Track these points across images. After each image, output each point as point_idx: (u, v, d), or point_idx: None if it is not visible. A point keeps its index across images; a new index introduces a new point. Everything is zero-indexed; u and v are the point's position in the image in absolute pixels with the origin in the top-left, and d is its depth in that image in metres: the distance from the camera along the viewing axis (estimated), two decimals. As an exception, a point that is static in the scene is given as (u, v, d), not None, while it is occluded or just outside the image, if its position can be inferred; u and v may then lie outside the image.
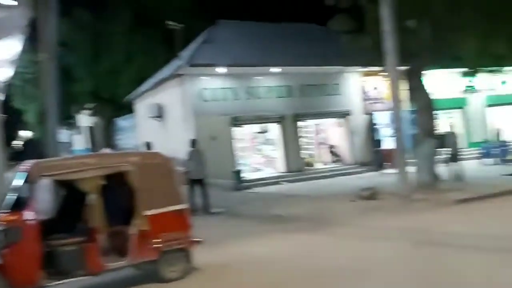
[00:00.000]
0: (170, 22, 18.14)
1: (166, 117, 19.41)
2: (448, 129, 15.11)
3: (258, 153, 19.52)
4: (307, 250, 7.53)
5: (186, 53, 18.86)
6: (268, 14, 23.27)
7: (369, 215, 9.96)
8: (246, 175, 17.40)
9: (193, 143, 12.70)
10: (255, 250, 7.77)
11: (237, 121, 17.85)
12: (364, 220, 9.54)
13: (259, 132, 19.56)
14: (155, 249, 6.09)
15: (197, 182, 12.02)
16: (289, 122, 18.79)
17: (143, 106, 21.77)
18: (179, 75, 17.46)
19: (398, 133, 11.47)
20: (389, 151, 16.37)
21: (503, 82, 18.95)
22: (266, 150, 19.50)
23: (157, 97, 19.93)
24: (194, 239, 6.51)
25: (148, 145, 15.72)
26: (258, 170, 18.91)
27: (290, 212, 11.08)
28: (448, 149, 13.79)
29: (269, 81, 18.72)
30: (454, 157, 13.71)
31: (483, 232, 7.67)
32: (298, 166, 18.70)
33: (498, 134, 19.39)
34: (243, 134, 18.79)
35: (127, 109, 25.21)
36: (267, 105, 18.37)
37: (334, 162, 20.21)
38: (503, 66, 18.57)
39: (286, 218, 10.41)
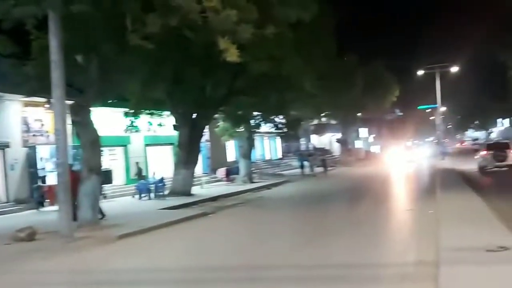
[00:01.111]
0: None
1: None
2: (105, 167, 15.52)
3: None
4: None
5: None
6: None
7: (27, 258, 9.00)
8: None
9: None
10: None
11: None
12: (21, 265, 8.54)
13: None
14: None
15: None
16: None
17: None
18: None
19: (61, 169, 10.96)
20: (52, 187, 15.51)
21: (160, 124, 21.10)
22: None
23: None
24: None
25: None
26: None
27: None
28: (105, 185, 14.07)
29: None
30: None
31: (146, 266, 8.14)
32: None
33: (140, 171, 21.14)
34: None
35: None
36: None
37: (-16, 200, 17.53)
38: (161, 110, 20.79)
39: None
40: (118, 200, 19.05)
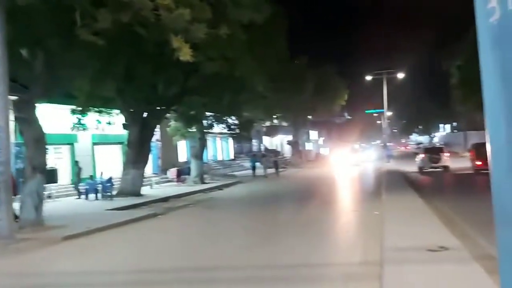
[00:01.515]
0: None
1: None
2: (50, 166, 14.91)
3: None
4: None
5: None
6: None
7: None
8: None
9: None
10: None
11: None
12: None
13: None
14: None
15: None
16: None
17: None
18: None
19: (3, 167, 10.45)
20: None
21: (109, 123, 20.51)
22: None
23: None
24: None
25: None
26: None
27: None
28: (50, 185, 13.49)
29: None
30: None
31: (92, 268, 7.90)
32: None
33: (79, 171, 20.30)
34: None
35: None
36: None
37: None
38: (110, 108, 20.24)
39: None
40: (64, 200, 18.40)
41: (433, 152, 27.94)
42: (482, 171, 20.12)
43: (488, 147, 1.50)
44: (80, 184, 19.41)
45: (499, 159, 1.51)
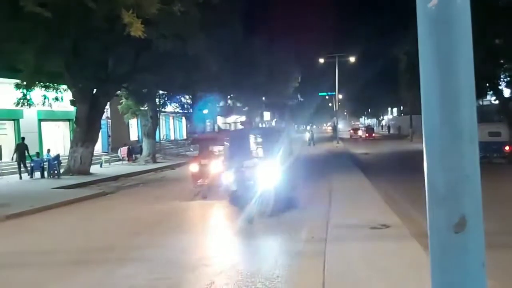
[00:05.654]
0: None
1: None
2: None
3: None
4: None
5: None
6: None
7: None
8: None
9: None
10: None
11: None
12: None
13: None
14: None
15: None
16: None
17: None
18: None
19: None
20: None
21: (56, 99, 19.66)
22: None
23: None
24: None
25: None
26: None
27: None
28: None
29: None
30: None
31: (35, 248, 7.71)
32: None
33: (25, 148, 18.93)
34: None
35: None
36: None
37: None
38: (58, 84, 19.44)
39: None
40: (8, 178, 17.71)
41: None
42: (366, 139, 49.02)
43: (423, 129, 1.61)
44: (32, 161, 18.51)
45: (432, 141, 1.63)
